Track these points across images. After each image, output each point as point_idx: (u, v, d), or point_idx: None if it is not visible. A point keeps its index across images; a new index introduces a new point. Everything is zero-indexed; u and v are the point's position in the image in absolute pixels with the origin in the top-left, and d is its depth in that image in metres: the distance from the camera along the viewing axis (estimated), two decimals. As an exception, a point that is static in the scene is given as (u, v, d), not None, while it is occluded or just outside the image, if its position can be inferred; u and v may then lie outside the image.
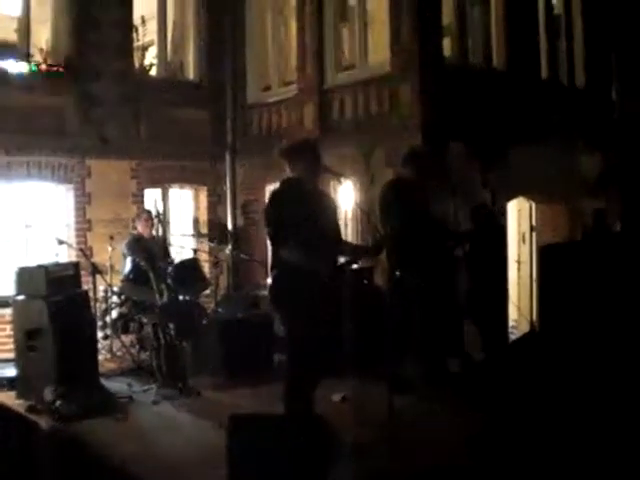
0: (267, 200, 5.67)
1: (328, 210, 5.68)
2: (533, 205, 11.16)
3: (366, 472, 4.90)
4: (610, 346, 5.29)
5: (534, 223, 11.19)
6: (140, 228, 8.56)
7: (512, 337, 8.89)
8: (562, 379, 5.28)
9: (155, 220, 8.49)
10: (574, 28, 11.70)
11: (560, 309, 5.83)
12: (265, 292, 9.75)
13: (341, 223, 7.21)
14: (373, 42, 10.11)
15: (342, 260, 5.78)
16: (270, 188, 10.19)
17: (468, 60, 9.90)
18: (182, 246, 9.82)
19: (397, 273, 6.66)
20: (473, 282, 7.67)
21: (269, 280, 5.43)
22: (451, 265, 7.21)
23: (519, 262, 11.05)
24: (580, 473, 4.45)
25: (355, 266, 7.16)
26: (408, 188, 6.99)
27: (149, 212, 8.62)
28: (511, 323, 9.61)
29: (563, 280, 5.82)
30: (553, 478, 4.47)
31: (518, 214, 10.91)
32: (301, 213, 5.27)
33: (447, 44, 9.73)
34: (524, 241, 11.15)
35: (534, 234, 11.13)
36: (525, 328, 9.76)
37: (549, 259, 6.38)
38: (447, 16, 9.51)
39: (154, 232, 8.62)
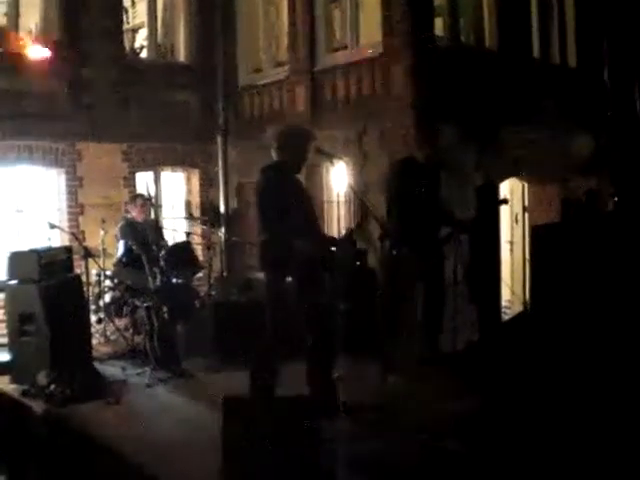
0: (259, 187, 5.56)
1: (310, 199, 5.74)
2: (526, 186, 11.17)
3: (359, 453, 4.92)
4: (602, 325, 5.31)
5: (527, 204, 11.21)
6: (135, 213, 8.52)
7: (505, 317, 8.92)
8: (554, 359, 5.30)
9: (147, 203, 8.48)
10: (566, 7, 11.66)
11: (552, 289, 5.85)
12: (258, 274, 9.79)
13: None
14: (365, 23, 10.06)
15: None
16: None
17: (460, 40, 9.87)
18: (175, 229, 9.82)
19: (394, 252, 6.65)
20: (473, 262, 7.68)
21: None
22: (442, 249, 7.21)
23: (512, 242, 11.08)
24: (572, 453, 4.48)
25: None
26: (418, 168, 6.94)
27: (144, 197, 8.57)
28: (504, 303, 9.64)
29: (555, 260, 5.83)
30: (547, 458, 4.50)
31: (511, 195, 10.92)
32: (299, 202, 5.32)
33: (439, 24, 9.69)
34: (517, 222, 11.17)
35: (526, 214, 11.15)
36: (518, 308, 9.80)
37: (541, 239, 6.38)
38: (439, -4, 9.48)
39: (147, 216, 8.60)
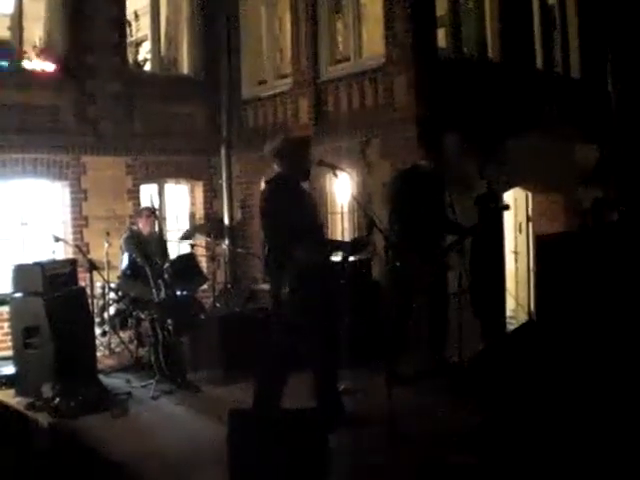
0: (264, 201, 5.63)
1: (316, 207, 5.81)
2: (529, 195, 11.17)
3: (365, 466, 4.90)
4: (607, 336, 5.29)
5: (530, 213, 11.21)
6: (140, 225, 8.51)
7: (510, 327, 8.90)
8: (560, 369, 5.28)
9: (153, 215, 8.49)
10: (568, 18, 11.69)
11: (557, 299, 5.83)
12: (263, 286, 9.80)
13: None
14: (367, 35, 10.10)
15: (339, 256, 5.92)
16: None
17: (463, 51, 9.89)
18: (179, 241, 9.82)
19: (397, 264, 6.62)
20: (475, 272, 7.66)
21: (286, 283, 5.38)
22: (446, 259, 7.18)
23: (516, 252, 11.07)
24: (580, 464, 4.46)
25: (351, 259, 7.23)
26: (422, 178, 6.92)
27: (149, 208, 8.58)
28: (509, 313, 9.62)
29: (560, 270, 5.82)
30: (554, 470, 4.47)
31: (515, 204, 10.92)
32: (301, 212, 5.36)
33: (441, 35, 9.71)
34: (521, 231, 11.17)
35: (530, 224, 11.14)
36: (523, 318, 9.78)
37: (546, 249, 6.37)
38: (441, 7, 9.49)
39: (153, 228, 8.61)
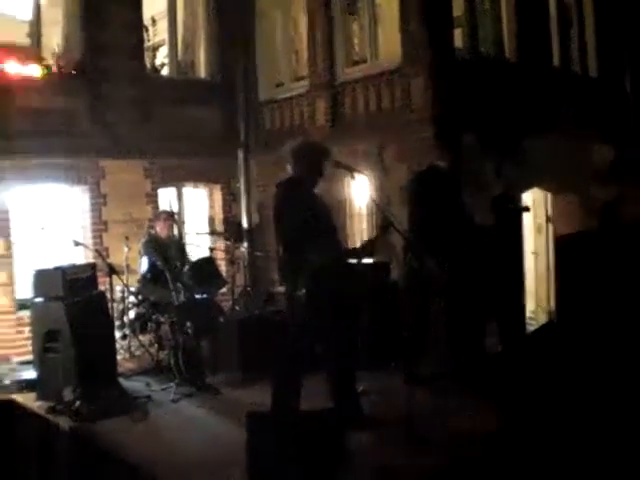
0: (276, 204, 5.65)
1: (329, 209, 5.81)
2: (549, 195, 11.11)
3: (383, 467, 4.90)
4: (628, 337, 5.26)
5: (550, 214, 11.14)
6: (159, 229, 8.55)
7: (530, 328, 8.86)
8: (581, 370, 5.26)
9: (171, 219, 8.52)
10: (585, 16, 11.63)
11: (578, 300, 5.80)
12: (281, 288, 9.82)
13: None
14: (383, 36, 10.08)
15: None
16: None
17: (479, 51, 9.85)
18: (198, 245, 9.86)
19: (415, 265, 6.60)
20: (492, 273, 7.62)
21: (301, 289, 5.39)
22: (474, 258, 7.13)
23: (535, 253, 11.00)
24: (598, 465, 4.44)
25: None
26: (440, 178, 6.90)
27: (168, 212, 8.61)
28: (528, 314, 9.57)
29: (581, 270, 5.79)
30: (573, 472, 4.46)
31: (533, 204, 10.86)
32: (314, 214, 5.36)
33: (458, 35, 9.69)
34: (540, 232, 11.10)
35: (550, 225, 11.08)
36: (543, 319, 9.73)
37: (566, 249, 6.35)
38: (457, 7, 9.46)
39: (171, 232, 8.64)
